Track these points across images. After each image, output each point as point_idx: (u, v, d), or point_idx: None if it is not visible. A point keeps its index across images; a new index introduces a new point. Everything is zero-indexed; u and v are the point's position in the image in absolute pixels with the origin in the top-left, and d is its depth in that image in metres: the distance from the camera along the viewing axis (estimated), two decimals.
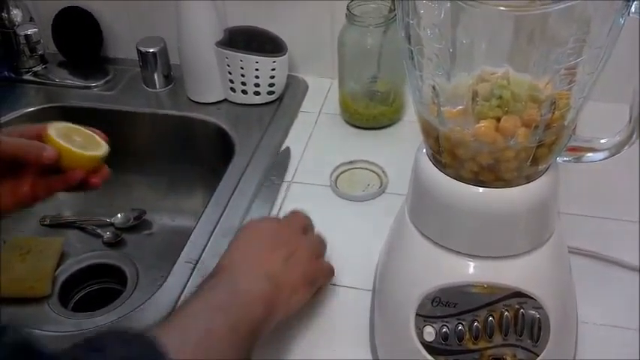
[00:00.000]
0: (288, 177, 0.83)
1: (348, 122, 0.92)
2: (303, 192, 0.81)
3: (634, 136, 0.49)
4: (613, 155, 0.51)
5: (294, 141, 0.89)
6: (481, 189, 0.50)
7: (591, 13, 0.45)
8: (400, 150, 0.85)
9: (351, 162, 0.84)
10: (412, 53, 0.48)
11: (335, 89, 0.95)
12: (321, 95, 0.99)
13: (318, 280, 0.63)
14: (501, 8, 0.40)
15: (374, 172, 0.84)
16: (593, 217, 0.75)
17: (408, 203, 0.57)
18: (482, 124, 0.47)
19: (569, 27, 0.45)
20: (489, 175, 0.50)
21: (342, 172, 0.84)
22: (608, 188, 0.78)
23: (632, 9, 0.44)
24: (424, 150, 0.53)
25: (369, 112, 0.90)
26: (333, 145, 0.89)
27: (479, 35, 0.45)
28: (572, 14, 0.44)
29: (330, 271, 0.66)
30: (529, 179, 0.50)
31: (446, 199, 0.51)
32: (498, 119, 0.48)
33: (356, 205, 0.79)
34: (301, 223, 0.65)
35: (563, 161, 0.52)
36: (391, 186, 0.81)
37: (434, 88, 0.48)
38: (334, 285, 0.68)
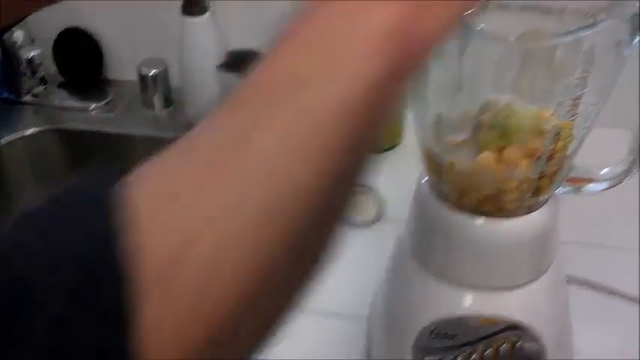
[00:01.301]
0: None
1: None
2: None
3: (634, 167, 0.49)
4: (613, 187, 0.51)
5: None
6: (482, 219, 0.49)
7: (597, 45, 0.45)
8: (399, 175, 0.85)
9: None
10: (417, 82, 0.48)
11: None
12: None
13: None
14: (511, 39, 0.40)
15: (371, 197, 0.83)
16: (590, 244, 0.74)
17: (407, 233, 0.56)
18: (486, 154, 0.47)
19: (576, 58, 0.45)
20: (491, 206, 0.49)
21: None
22: (607, 214, 0.78)
23: (636, 41, 0.44)
24: (425, 179, 0.53)
25: None
26: None
27: (485, 64, 0.45)
28: (580, 46, 0.44)
29: None
30: (530, 209, 0.50)
31: (447, 230, 0.51)
32: (502, 149, 0.48)
33: (353, 232, 0.78)
34: None
35: (563, 192, 0.52)
36: (389, 212, 0.80)
37: (438, 117, 0.48)
38: (328, 314, 0.67)
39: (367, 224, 0.79)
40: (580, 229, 0.74)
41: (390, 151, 0.92)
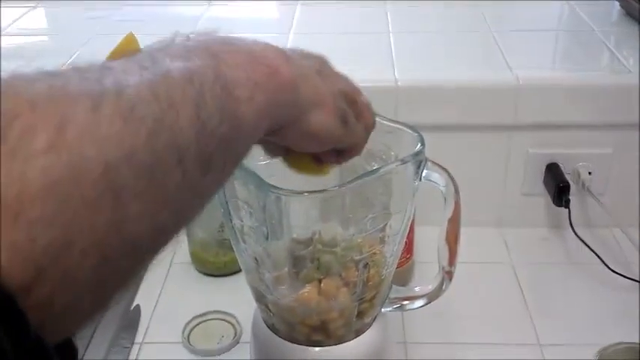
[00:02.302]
0: (139, 338, 0.80)
1: (200, 271, 0.92)
2: (155, 353, 0.78)
3: (444, 284, 0.53)
4: (431, 302, 0.55)
5: (144, 298, 0.87)
6: (315, 349, 0.51)
7: (393, 180, 0.49)
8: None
9: (203, 314, 0.84)
10: (234, 228, 0.50)
11: (184, 238, 0.95)
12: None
13: (360, 114, 0.41)
14: (305, 194, 0.43)
15: (228, 321, 0.83)
16: (441, 343, 0.77)
17: None
18: (305, 289, 0.49)
19: (377, 191, 0.49)
20: (321, 335, 0.51)
21: (195, 326, 0.82)
22: (457, 313, 0.82)
23: (423, 174, 0.49)
24: (259, 314, 0.55)
25: (219, 260, 0.90)
26: (186, 298, 0.87)
27: (290, 207, 0.48)
28: (379, 181, 0.48)
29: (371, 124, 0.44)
30: (359, 332, 0.53)
31: None
32: (321, 281, 0.50)
33: None
34: None
35: (388, 311, 0.55)
36: (245, 335, 0.80)
37: (255, 259, 0.50)
38: None
39: (224, 350, 0.78)
40: (430, 328, 0.78)
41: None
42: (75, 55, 0.94)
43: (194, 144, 0.27)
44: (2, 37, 1.05)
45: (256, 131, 0.32)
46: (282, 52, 0.35)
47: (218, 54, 0.31)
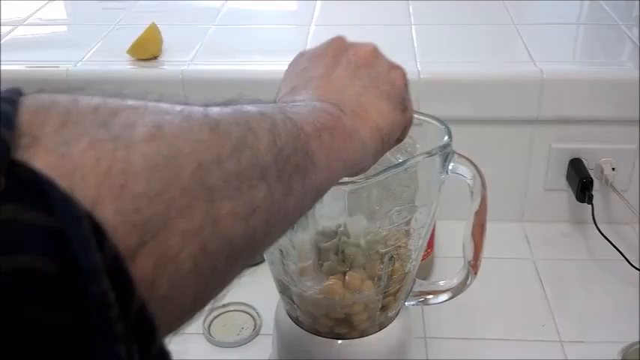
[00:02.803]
0: None
1: None
2: (176, 343, 0.78)
3: (469, 278, 0.53)
4: (455, 296, 0.54)
5: None
6: (338, 342, 0.51)
7: (419, 172, 0.49)
8: (274, 287, 0.86)
9: (224, 305, 0.84)
10: None
11: None
12: None
13: (404, 96, 0.42)
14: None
15: (248, 313, 0.83)
16: (458, 338, 0.77)
17: (274, 356, 0.57)
18: (330, 281, 0.49)
19: (403, 184, 0.49)
20: (344, 328, 0.51)
21: (215, 317, 0.83)
22: (472, 310, 0.81)
23: (450, 167, 0.49)
24: (282, 306, 0.55)
25: None
26: None
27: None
28: (405, 173, 0.47)
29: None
30: (382, 326, 0.52)
31: (305, 355, 0.52)
32: (346, 274, 0.50)
33: (231, 351, 0.78)
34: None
35: (411, 305, 0.55)
36: (265, 327, 0.80)
37: (280, 251, 0.50)
38: None
39: (244, 342, 0.78)
40: (450, 323, 0.77)
41: (265, 263, 0.92)
42: (96, 47, 0.94)
43: (273, 166, 0.29)
44: (22, 27, 1.05)
45: (332, 174, 0.34)
46: (332, 104, 0.37)
47: (282, 105, 0.34)
